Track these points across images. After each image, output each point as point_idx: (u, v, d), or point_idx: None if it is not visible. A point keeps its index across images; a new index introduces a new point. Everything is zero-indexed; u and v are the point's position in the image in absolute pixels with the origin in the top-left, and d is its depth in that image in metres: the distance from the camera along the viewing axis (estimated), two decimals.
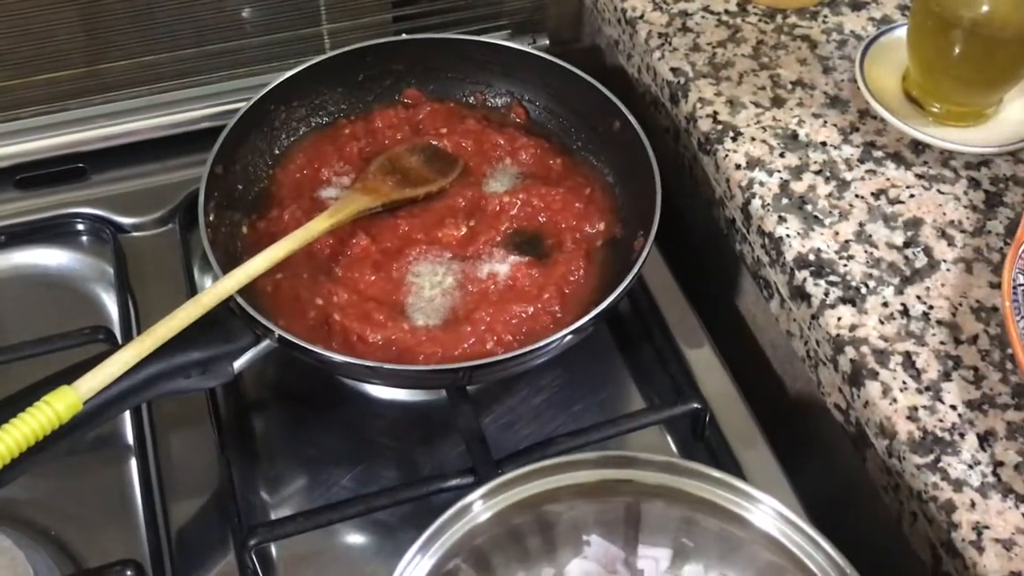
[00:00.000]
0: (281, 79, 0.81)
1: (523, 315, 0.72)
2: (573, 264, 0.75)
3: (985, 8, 0.72)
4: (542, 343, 0.68)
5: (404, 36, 0.88)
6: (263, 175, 0.81)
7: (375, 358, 0.69)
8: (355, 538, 0.70)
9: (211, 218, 0.74)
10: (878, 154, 0.77)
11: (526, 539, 0.61)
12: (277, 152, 0.83)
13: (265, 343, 0.67)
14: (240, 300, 0.67)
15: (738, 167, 0.76)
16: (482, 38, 0.87)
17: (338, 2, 0.89)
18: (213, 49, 0.88)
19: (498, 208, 0.79)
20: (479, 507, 0.59)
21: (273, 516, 0.70)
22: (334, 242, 0.75)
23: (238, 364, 0.67)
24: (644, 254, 0.71)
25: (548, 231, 0.79)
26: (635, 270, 0.71)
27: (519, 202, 0.79)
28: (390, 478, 0.72)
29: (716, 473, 0.59)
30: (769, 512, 0.58)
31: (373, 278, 0.74)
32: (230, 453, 0.72)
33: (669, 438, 0.75)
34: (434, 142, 0.83)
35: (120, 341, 0.75)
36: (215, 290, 0.66)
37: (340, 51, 0.84)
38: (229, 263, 0.70)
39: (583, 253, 0.77)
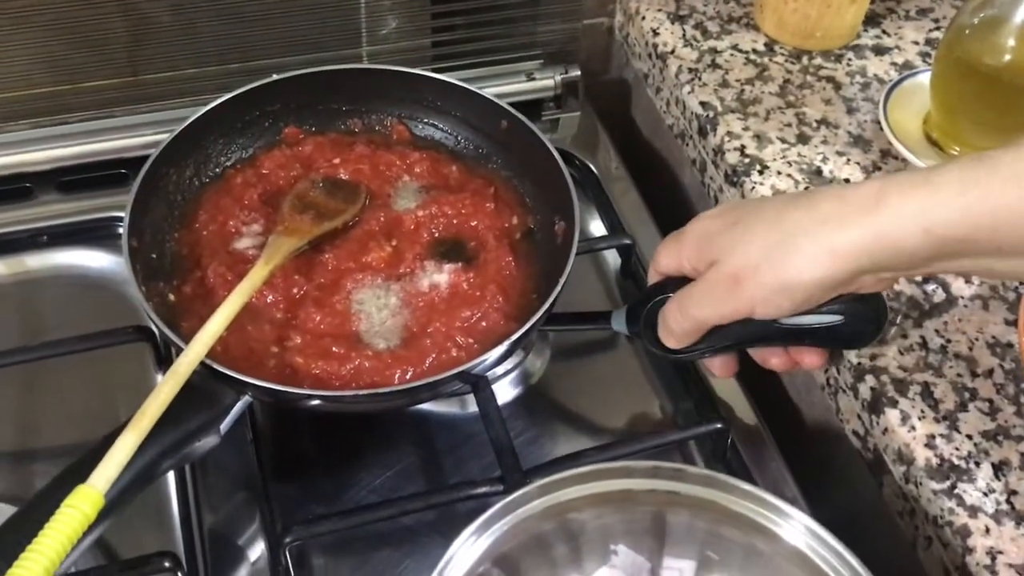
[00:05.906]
0: (166, 142, 0.79)
1: (474, 317, 0.74)
2: (502, 260, 0.77)
3: (1008, 56, 0.75)
4: (530, 323, 0.69)
5: (275, 76, 0.85)
6: (173, 239, 0.79)
7: (358, 387, 0.69)
8: (380, 542, 0.71)
9: (144, 290, 0.71)
10: None
11: (553, 547, 0.62)
12: (177, 214, 0.80)
13: (244, 399, 0.67)
14: (212, 363, 0.65)
15: None
16: (348, 66, 0.86)
17: (379, 27, 0.91)
18: (256, 65, 0.90)
19: (414, 224, 0.80)
20: (521, 508, 0.60)
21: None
22: (268, 290, 0.74)
23: (223, 426, 0.66)
24: (576, 235, 0.74)
25: (467, 235, 0.80)
26: (572, 251, 0.73)
27: (432, 213, 0.80)
28: (418, 486, 0.74)
29: (746, 486, 0.60)
30: (798, 527, 0.59)
31: (319, 316, 0.73)
32: (264, 452, 0.73)
33: (691, 457, 0.77)
34: (331, 173, 0.83)
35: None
36: (187, 358, 0.64)
37: (213, 104, 0.82)
38: (177, 332, 0.69)
39: (507, 248, 0.79)
